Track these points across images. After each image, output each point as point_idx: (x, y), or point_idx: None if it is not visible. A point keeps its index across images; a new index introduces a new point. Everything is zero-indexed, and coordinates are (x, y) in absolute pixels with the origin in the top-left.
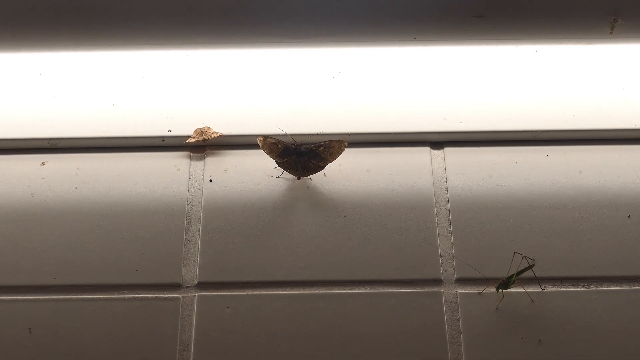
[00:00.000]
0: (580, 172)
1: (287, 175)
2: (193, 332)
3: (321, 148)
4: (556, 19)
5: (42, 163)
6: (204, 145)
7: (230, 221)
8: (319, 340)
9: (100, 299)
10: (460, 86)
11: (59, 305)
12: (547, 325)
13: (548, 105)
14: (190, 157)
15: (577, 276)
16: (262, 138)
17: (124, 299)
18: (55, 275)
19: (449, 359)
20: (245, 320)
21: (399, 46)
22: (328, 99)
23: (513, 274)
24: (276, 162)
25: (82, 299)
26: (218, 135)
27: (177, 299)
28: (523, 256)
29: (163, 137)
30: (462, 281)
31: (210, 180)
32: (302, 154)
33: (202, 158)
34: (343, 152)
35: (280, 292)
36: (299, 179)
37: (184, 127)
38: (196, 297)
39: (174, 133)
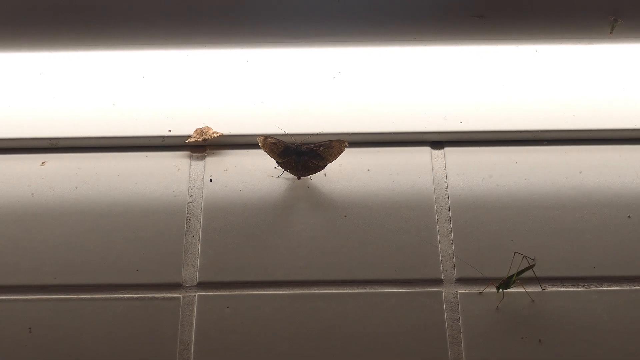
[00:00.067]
0: (580, 172)
1: (288, 175)
2: (193, 332)
3: (321, 148)
4: (556, 19)
5: (43, 163)
6: (204, 145)
7: (231, 221)
8: (319, 340)
9: (100, 299)
10: (461, 86)
11: (59, 305)
12: (548, 325)
13: (548, 105)
14: (191, 157)
15: (578, 276)
16: (262, 138)
17: (124, 298)
18: (56, 275)
19: (450, 358)
20: (246, 320)
21: (399, 46)
22: (328, 98)
23: (513, 274)
24: (276, 161)
25: (82, 299)
26: (218, 135)
27: (177, 298)
28: (523, 256)
29: (163, 137)
30: (463, 281)
31: (211, 180)
32: (302, 154)
33: (203, 158)
34: (343, 152)
35: (281, 292)
36: (299, 178)
37: (184, 126)
38: (196, 296)
39: (174, 133)
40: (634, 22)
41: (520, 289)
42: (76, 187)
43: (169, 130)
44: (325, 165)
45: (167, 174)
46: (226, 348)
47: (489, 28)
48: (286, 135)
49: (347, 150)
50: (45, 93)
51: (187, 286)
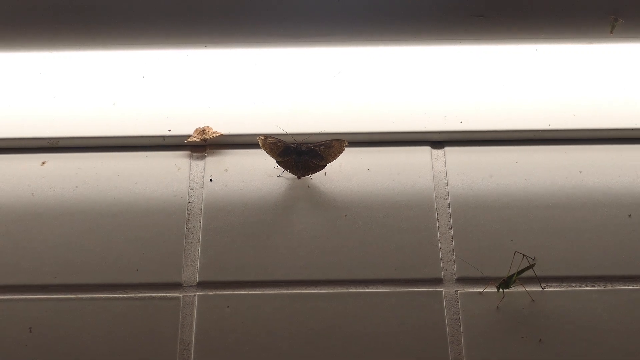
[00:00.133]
0: (580, 172)
1: (288, 174)
2: (193, 332)
3: (322, 147)
4: (556, 18)
5: (43, 162)
6: (204, 145)
7: (231, 220)
8: (319, 340)
9: (100, 299)
10: (461, 86)
11: (60, 304)
12: (548, 325)
13: (549, 105)
14: (191, 157)
15: (578, 275)
16: (262, 137)
17: (124, 298)
18: (56, 275)
19: (450, 358)
20: (246, 320)
21: (399, 46)
22: (328, 98)
23: (514, 274)
24: (277, 161)
25: (82, 299)
26: (218, 134)
27: (177, 298)
28: (524, 255)
29: (163, 137)
30: (463, 280)
31: (211, 180)
32: (302, 154)
33: (203, 157)
34: (343, 152)
35: (281, 292)
36: (299, 178)
37: (185, 126)
38: (197, 296)
39: (174, 132)
40: (634, 22)
41: (521, 289)
42: (76, 187)
43: (169, 130)
44: (326, 165)
45: (167, 173)
46: (226, 348)
47: (489, 28)
48: (286, 134)
49: (347, 149)
50: (45, 93)
51: (187, 286)
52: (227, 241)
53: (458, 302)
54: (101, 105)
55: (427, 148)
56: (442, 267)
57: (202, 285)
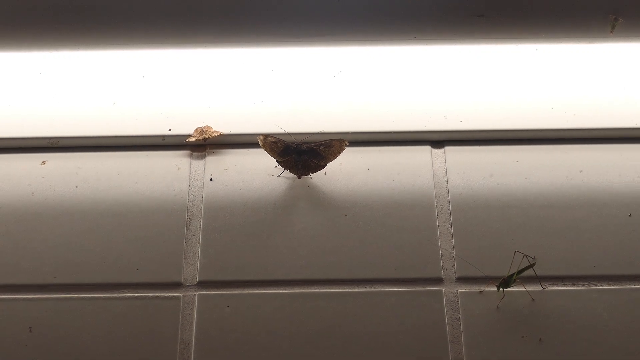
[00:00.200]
0: (581, 171)
1: (288, 174)
2: (194, 331)
3: (322, 147)
4: (557, 18)
5: (43, 162)
6: (204, 144)
7: (231, 220)
8: (319, 339)
9: (100, 298)
10: (461, 85)
11: (60, 304)
12: (548, 324)
13: (549, 104)
14: (191, 156)
15: (578, 275)
16: (262, 137)
17: (124, 297)
18: (56, 274)
19: (450, 357)
20: (246, 319)
21: (400, 45)
22: (329, 98)
23: (514, 273)
24: (277, 161)
25: (82, 298)
26: (219, 134)
27: (177, 297)
28: (524, 255)
29: (163, 136)
30: (463, 280)
31: (211, 179)
32: (302, 153)
33: (203, 157)
34: (344, 151)
35: (281, 291)
36: (299, 177)
37: (185, 126)
38: (197, 296)
39: (174, 132)
40: (634, 21)
41: (521, 288)
42: (76, 187)
43: (169, 130)
44: (326, 165)
45: (168, 173)
46: (226, 347)
47: (489, 27)
48: (286, 134)
49: (347, 149)
50: (46, 92)
51: (187, 285)
52: (227, 241)
53: (458, 301)
54: (101, 105)
55: (428, 147)
56: (442, 267)
57: (202, 284)
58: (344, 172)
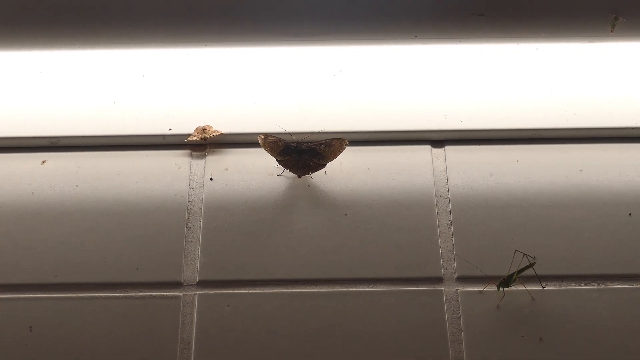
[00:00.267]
0: (581, 171)
1: (288, 173)
2: (194, 331)
3: (322, 146)
4: (557, 17)
5: (43, 161)
6: (204, 144)
7: (231, 219)
8: (319, 339)
9: (100, 298)
10: (461, 84)
11: (60, 303)
12: (548, 324)
13: (549, 104)
14: (191, 156)
15: (578, 274)
16: (262, 136)
17: (124, 297)
18: (56, 274)
19: (450, 357)
20: (246, 319)
21: (400, 44)
22: (329, 97)
23: (514, 272)
24: (277, 160)
25: (82, 298)
26: (219, 133)
27: (177, 297)
28: (524, 254)
29: (164, 136)
30: (463, 279)
31: (211, 179)
32: (302, 152)
33: (203, 156)
34: (344, 151)
35: (281, 291)
36: (299, 177)
37: (185, 125)
38: (197, 295)
39: (174, 131)
40: (634, 21)
41: (521, 288)
42: (76, 186)
43: (170, 129)
44: (326, 164)
45: (168, 172)
46: (227, 346)
47: (489, 26)
48: (287, 133)
49: (347, 148)
50: (46, 92)
51: (187, 285)
52: (227, 240)
53: (458, 301)
54: (101, 104)
55: (428, 147)
56: (442, 266)
57: (203, 284)
58: (344, 171)
